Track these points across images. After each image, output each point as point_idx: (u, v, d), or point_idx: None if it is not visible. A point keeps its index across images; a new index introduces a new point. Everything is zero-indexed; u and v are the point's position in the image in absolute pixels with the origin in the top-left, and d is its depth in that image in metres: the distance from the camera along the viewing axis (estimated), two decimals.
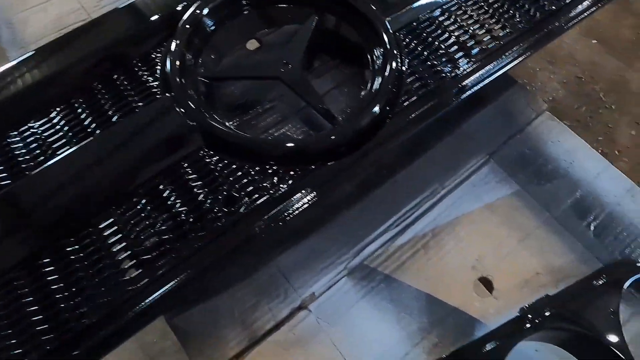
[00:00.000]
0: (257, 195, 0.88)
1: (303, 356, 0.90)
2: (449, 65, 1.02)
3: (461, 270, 1.01)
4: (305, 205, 0.90)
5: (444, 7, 1.03)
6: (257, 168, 0.91)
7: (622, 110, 1.98)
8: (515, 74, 2.05)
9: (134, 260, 0.84)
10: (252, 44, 1.22)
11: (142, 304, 0.82)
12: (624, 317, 0.97)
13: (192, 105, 0.93)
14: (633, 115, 1.95)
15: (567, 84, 2.04)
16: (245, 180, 0.90)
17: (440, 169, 1.12)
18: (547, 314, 0.83)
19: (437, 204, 1.08)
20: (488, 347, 0.80)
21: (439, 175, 1.11)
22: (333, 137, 0.92)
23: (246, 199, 0.89)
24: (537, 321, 0.82)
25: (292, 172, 0.90)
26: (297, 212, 0.91)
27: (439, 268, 1.01)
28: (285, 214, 0.89)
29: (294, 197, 0.88)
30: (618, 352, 0.83)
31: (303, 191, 0.90)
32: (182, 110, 0.93)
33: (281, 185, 0.89)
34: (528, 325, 0.82)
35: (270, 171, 0.92)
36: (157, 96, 0.99)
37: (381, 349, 0.90)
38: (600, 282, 0.89)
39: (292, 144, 0.99)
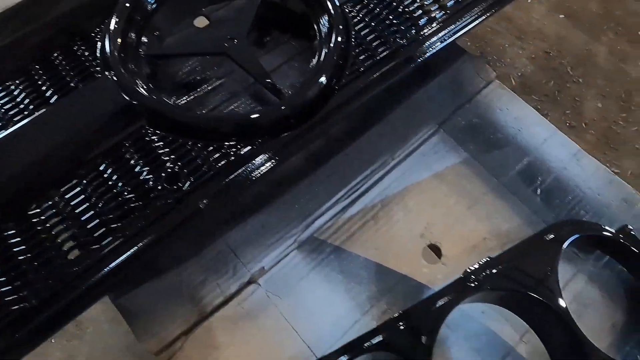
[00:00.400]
0: (201, 172, 0.88)
1: (253, 329, 0.91)
2: (397, 35, 1.02)
3: (410, 238, 1.02)
4: (252, 180, 0.90)
5: None
6: (200, 145, 0.91)
7: (589, 83, 2.01)
8: (486, 51, 2.07)
9: (76, 242, 0.83)
10: (200, 22, 1.21)
11: (85, 285, 0.82)
12: (567, 276, 1.00)
13: (132, 83, 0.92)
14: (599, 88, 1.99)
15: (536, 59, 2.07)
16: (189, 157, 0.89)
17: (391, 140, 1.12)
18: (486, 273, 0.85)
19: (387, 174, 1.08)
20: (431, 306, 0.82)
21: (389, 146, 1.11)
22: (278, 111, 0.92)
23: (190, 176, 0.88)
24: (477, 281, 0.84)
25: (236, 148, 0.90)
26: (243, 187, 0.92)
27: (388, 237, 1.02)
28: (231, 189, 0.89)
29: (240, 172, 0.88)
30: (556, 309, 0.85)
31: (249, 166, 0.90)
32: (122, 88, 0.91)
33: (226, 161, 0.89)
34: (469, 286, 0.84)
35: (213, 147, 0.91)
36: (98, 75, 0.98)
37: (331, 319, 0.92)
38: (541, 241, 0.91)
39: (234, 119, 0.99)
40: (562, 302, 0.86)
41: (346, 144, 1.13)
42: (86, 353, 1.42)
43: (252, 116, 0.93)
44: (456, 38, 1.07)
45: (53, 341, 1.41)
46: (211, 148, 0.90)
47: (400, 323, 0.80)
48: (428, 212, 1.05)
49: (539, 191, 1.09)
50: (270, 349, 0.89)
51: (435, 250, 1.02)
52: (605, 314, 0.98)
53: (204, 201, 0.88)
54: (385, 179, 1.08)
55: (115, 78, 0.94)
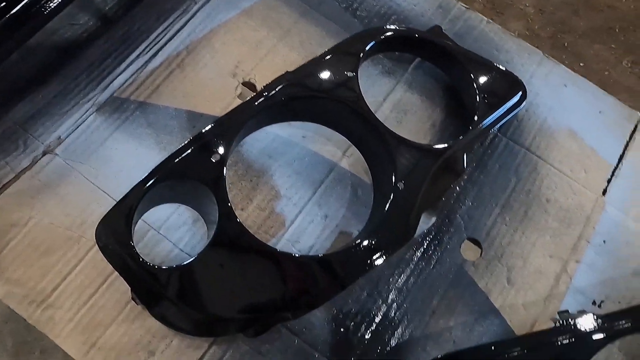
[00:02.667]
0: None
1: (54, 199, 0.84)
2: None
3: (221, 79, 0.95)
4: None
5: None
6: None
7: None
8: None
9: None
10: None
11: None
12: (386, 89, 0.99)
13: None
14: None
15: None
16: None
17: None
18: (282, 86, 0.81)
19: (191, 20, 0.99)
20: (223, 125, 0.77)
21: None
22: None
23: None
24: (270, 95, 0.80)
25: None
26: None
27: (197, 82, 0.95)
28: None
29: None
30: (354, 108, 0.83)
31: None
32: None
33: None
34: (264, 101, 0.80)
35: None
36: None
37: (142, 173, 0.85)
38: (343, 48, 0.88)
39: None
40: (364, 104, 0.84)
41: None
42: None
43: None
44: None
45: None
46: None
47: (191, 147, 0.76)
48: (237, 50, 0.98)
49: (351, 9, 1.04)
50: (77, 214, 0.83)
51: (250, 87, 0.97)
52: (424, 115, 0.99)
53: None
54: (188, 25, 0.99)
55: None
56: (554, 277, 0.89)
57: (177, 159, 0.75)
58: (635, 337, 0.84)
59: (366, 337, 0.82)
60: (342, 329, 0.82)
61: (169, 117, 0.93)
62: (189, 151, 0.75)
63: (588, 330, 0.71)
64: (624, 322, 0.74)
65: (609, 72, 1.04)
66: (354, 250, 0.77)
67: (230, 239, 0.74)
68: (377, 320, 0.83)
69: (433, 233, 0.89)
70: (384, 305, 0.84)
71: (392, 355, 0.80)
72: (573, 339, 0.70)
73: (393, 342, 0.82)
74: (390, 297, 0.85)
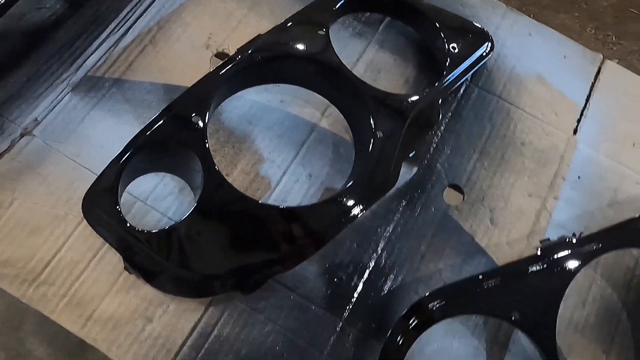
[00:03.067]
0: None
1: (36, 179, 0.83)
2: None
3: (194, 52, 0.95)
4: None
5: None
6: None
7: None
8: None
9: None
10: None
11: None
12: (359, 49, 1.01)
13: None
14: None
15: None
16: None
17: None
18: (253, 49, 0.82)
19: None
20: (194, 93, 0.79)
21: None
22: None
23: None
24: (244, 58, 0.81)
25: None
26: None
27: (171, 57, 0.95)
28: None
29: None
30: (327, 63, 0.84)
31: None
32: None
33: None
34: (238, 62, 0.81)
35: None
36: None
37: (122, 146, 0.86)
38: (312, 9, 0.89)
39: None
40: (336, 59, 0.86)
41: None
42: None
43: None
44: None
45: None
46: None
47: (170, 109, 0.76)
48: (209, 22, 0.98)
49: None
50: (61, 192, 0.82)
51: (224, 57, 0.98)
52: (398, 72, 1.01)
53: None
54: (157, 1, 0.99)
55: None
56: (534, 215, 0.92)
57: (156, 124, 0.76)
58: (616, 264, 0.88)
59: (359, 286, 0.84)
60: (335, 280, 0.84)
61: (146, 92, 0.93)
62: (168, 113, 0.76)
63: (564, 255, 0.75)
64: (595, 243, 0.78)
65: (574, 39, 1.13)
66: (339, 199, 0.78)
67: (217, 195, 0.75)
68: (368, 269, 0.85)
69: (416, 183, 0.92)
70: (374, 254, 0.86)
71: (386, 299, 0.82)
72: (551, 263, 0.73)
73: (386, 289, 0.84)
74: (379, 246, 0.87)
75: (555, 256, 0.74)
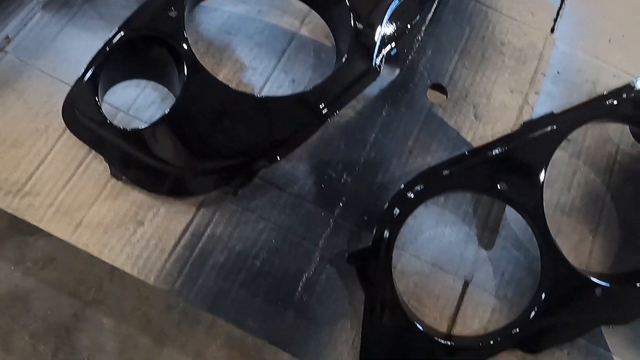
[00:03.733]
0: None
1: (14, 94, 0.80)
2: None
3: None
4: None
5: None
6: None
7: None
8: None
9: None
10: None
11: None
12: None
13: None
14: None
15: None
16: None
17: None
18: None
19: None
20: None
21: None
22: None
23: None
24: None
25: None
26: None
27: None
28: None
29: None
30: None
31: None
32: None
33: None
34: None
35: None
36: None
37: None
38: None
39: None
40: None
41: None
42: None
43: None
44: None
45: None
46: None
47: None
48: None
49: None
50: (40, 106, 0.80)
51: None
52: None
53: None
54: None
55: None
56: (517, 109, 0.93)
57: (132, 20, 0.74)
58: (598, 150, 0.90)
59: (349, 181, 0.84)
60: (325, 177, 0.84)
61: (120, 8, 0.89)
62: (144, 11, 0.75)
63: (546, 126, 0.76)
64: (574, 113, 0.79)
65: None
66: (321, 89, 0.78)
67: (197, 86, 0.74)
68: (358, 166, 0.85)
69: (399, 84, 0.92)
70: (363, 152, 0.86)
71: (377, 193, 0.83)
72: (533, 134, 0.75)
73: (376, 183, 0.85)
74: (367, 145, 0.87)
75: (537, 129, 0.75)
